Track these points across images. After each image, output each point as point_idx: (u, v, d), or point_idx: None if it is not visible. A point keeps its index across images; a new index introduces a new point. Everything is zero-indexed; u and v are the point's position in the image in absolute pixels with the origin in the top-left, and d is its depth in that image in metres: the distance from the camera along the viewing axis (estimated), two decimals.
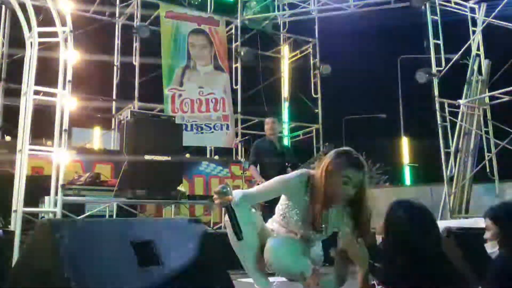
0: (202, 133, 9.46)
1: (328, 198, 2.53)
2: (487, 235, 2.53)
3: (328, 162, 2.56)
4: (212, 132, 9.56)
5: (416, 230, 2.00)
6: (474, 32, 8.62)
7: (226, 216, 2.48)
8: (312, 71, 11.38)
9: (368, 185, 2.59)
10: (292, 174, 2.70)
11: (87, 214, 6.04)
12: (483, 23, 8.42)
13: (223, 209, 2.52)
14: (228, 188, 2.44)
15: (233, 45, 10.49)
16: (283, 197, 2.74)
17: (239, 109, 10.06)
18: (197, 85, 9.66)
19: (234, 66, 10.33)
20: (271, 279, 2.75)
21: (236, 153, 10.10)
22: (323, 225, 2.62)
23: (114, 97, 10.58)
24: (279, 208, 2.74)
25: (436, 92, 7.98)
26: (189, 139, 8.01)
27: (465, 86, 8.29)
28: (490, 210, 2.55)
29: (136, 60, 9.52)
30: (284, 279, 2.76)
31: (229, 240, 2.65)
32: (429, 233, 2.02)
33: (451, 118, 8.05)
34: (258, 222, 2.68)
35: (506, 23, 8.28)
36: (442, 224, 2.92)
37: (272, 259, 2.53)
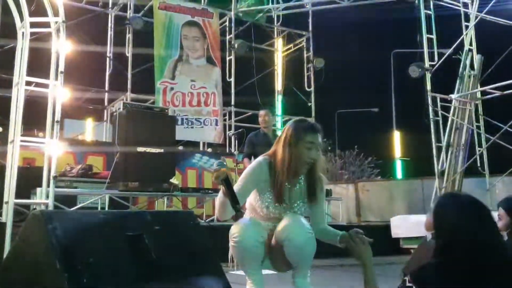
0: (192, 127, 9.44)
1: (292, 169, 2.60)
2: (498, 224, 2.53)
3: (289, 133, 2.64)
4: (202, 127, 9.54)
5: (468, 225, 1.79)
6: (467, 27, 8.66)
7: (220, 193, 2.50)
8: (305, 65, 11.39)
9: (322, 149, 2.70)
10: (255, 160, 2.75)
11: (79, 206, 6.03)
12: (475, 18, 8.45)
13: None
14: (224, 163, 2.47)
15: (227, 38, 10.46)
16: (256, 194, 2.72)
17: (232, 102, 10.06)
18: (189, 78, 9.63)
19: (227, 58, 10.30)
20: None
21: (229, 146, 10.10)
22: (285, 198, 2.65)
23: (106, 88, 10.53)
24: (258, 202, 2.70)
25: (428, 87, 8.02)
26: (180, 133, 7.99)
27: (457, 80, 8.33)
28: (505, 201, 2.54)
29: (129, 51, 9.47)
30: (272, 271, 2.77)
31: (222, 233, 2.65)
32: (483, 227, 1.81)
33: (443, 112, 8.10)
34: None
35: (498, 19, 8.32)
36: None
37: (288, 238, 2.52)
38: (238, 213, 2.44)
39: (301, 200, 2.72)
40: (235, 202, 2.39)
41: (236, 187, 2.57)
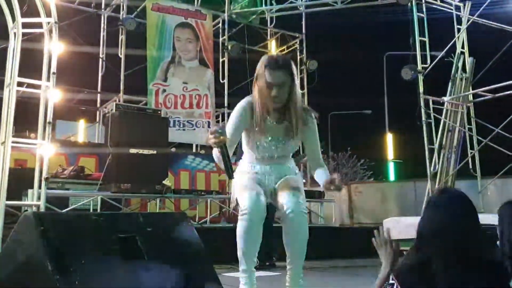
0: (184, 129, 9.40)
1: (262, 106, 2.65)
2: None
3: (257, 70, 2.69)
4: (194, 129, 9.51)
5: (453, 221, 1.73)
6: (459, 30, 8.71)
7: (217, 154, 2.55)
8: (298, 67, 11.39)
9: (295, 86, 2.67)
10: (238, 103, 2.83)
11: (71, 207, 6.00)
12: (467, 21, 8.51)
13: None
14: (223, 130, 2.48)
15: (220, 39, 10.46)
16: (246, 135, 2.79)
17: (225, 103, 10.05)
18: (181, 80, 9.60)
19: (221, 60, 10.30)
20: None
21: None
22: (270, 134, 2.71)
23: (99, 89, 10.48)
24: (250, 144, 2.79)
25: (421, 89, 8.05)
26: (171, 135, 7.96)
27: (450, 83, 8.37)
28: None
29: (121, 53, 9.43)
30: (266, 273, 2.78)
31: (215, 235, 2.66)
32: (468, 223, 1.76)
33: (436, 115, 8.13)
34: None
35: (490, 22, 8.38)
36: None
37: (287, 210, 2.65)
38: (231, 178, 2.61)
39: (290, 136, 2.75)
40: (229, 170, 2.49)
41: (228, 125, 2.70)
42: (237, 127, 2.73)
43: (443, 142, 8.12)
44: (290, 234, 2.65)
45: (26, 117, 6.10)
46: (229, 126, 2.74)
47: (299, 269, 2.67)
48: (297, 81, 2.73)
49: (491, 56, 8.38)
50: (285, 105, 2.68)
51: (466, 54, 8.68)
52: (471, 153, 8.42)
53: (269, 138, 2.73)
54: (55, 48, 4.89)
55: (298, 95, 2.73)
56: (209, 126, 9.63)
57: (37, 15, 4.93)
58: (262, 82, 2.63)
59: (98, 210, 5.97)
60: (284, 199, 2.67)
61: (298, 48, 11.46)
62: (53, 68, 4.85)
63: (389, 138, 21.15)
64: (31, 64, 5.26)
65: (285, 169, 2.85)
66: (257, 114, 2.67)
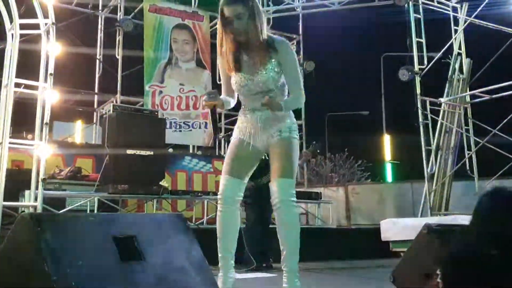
0: (180, 131, 9.40)
1: (229, 42, 2.79)
2: None
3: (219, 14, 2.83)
4: (191, 130, 9.51)
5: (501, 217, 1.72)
6: (456, 31, 8.73)
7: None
8: None
9: (255, 18, 2.73)
10: None
11: (68, 208, 5.99)
12: (465, 22, 8.53)
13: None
14: (214, 95, 2.74)
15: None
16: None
17: None
18: (178, 81, 9.60)
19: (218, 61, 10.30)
20: (250, 275, 2.76)
21: (219, 148, 10.09)
22: (245, 69, 2.81)
23: (96, 90, 10.49)
24: (234, 87, 2.89)
25: (418, 90, 8.06)
26: (168, 136, 7.97)
27: (447, 84, 8.39)
28: None
29: (119, 54, 9.44)
30: (262, 274, 2.79)
31: (211, 236, 2.68)
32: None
33: (433, 116, 8.15)
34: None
35: (487, 23, 8.40)
36: (422, 221, 2.96)
37: (277, 201, 2.75)
38: (217, 138, 2.82)
39: (261, 66, 2.80)
40: (215, 132, 2.96)
41: (222, 91, 2.94)
42: (224, 75, 2.93)
43: (440, 143, 8.14)
44: (281, 223, 2.73)
45: (23, 118, 6.10)
46: (222, 83, 2.98)
47: (295, 266, 2.68)
48: (260, 15, 2.78)
49: (488, 57, 8.40)
50: (249, 38, 2.76)
51: (463, 55, 8.71)
52: (468, 154, 8.43)
53: (243, 73, 2.82)
54: (52, 49, 4.89)
55: (260, 27, 2.76)
56: (206, 127, 9.64)
57: (35, 16, 4.93)
58: (223, 19, 2.77)
59: (95, 211, 5.97)
60: (274, 187, 2.74)
61: (295, 49, 11.47)
62: (51, 69, 4.84)
63: (387, 139, 21.19)
64: (28, 65, 5.26)
65: (275, 120, 2.85)
66: (227, 54, 2.80)
